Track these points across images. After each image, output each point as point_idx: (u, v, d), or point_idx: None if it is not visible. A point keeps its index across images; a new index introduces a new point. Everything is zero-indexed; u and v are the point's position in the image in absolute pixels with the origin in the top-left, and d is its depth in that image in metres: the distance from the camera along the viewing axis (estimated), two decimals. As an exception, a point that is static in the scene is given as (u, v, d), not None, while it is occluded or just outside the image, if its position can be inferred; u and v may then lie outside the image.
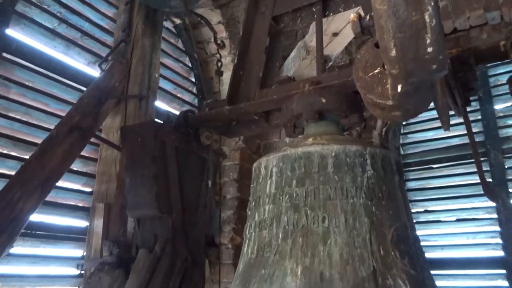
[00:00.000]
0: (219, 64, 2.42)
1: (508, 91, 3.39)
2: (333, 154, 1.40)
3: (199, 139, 2.11)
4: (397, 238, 1.31)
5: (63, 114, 2.25)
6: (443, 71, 1.00)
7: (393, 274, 1.22)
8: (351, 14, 1.32)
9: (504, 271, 3.16)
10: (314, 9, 2.04)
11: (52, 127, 2.20)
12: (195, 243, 2.06)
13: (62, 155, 2.06)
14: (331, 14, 2.08)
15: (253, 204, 1.54)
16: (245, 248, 1.46)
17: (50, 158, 2.04)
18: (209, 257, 2.97)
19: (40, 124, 2.32)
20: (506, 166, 3.30)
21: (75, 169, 2.46)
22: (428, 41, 0.94)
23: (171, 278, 1.95)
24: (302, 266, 1.23)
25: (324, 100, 1.61)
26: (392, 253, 1.26)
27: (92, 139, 2.42)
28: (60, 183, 2.33)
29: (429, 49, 0.95)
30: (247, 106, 1.90)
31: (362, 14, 1.66)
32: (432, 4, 0.92)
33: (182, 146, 2.09)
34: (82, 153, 2.41)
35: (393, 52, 0.98)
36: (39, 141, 2.15)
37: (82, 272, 2.37)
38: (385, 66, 1.06)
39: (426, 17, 0.92)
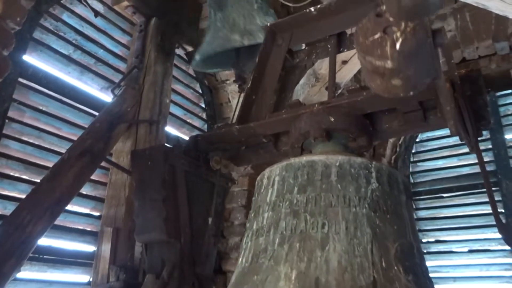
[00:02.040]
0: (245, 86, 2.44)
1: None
2: (337, 164, 1.38)
3: (208, 164, 2.11)
4: (401, 253, 1.26)
5: (75, 138, 2.29)
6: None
7: None
8: None
9: (519, 305, 3.06)
10: (329, 45, 2.09)
11: (64, 151, 2.23)
12: (203, 268, 2.03)
13: (72, 179, 2.07)
14: (345, 50, 2.12)
15: (252, 215, 1.50)
16: (240, 259, 1.40)
17: (61, 181, 2.05)
18: (216, 285, 2.93)
19: (52, 148, 2.35)
20: (518, 196, 3.25)
21: (85, 193, 2.47)
22: None
23: (178, 305, 1.91)
24: (297, 271, 1.17)
25: (332, 119, 1.61)
26: (395, 267, 1.21)
27: (103, 163, 2.44)
28: (69, 207, 2.33)
29: None
30: (256, 126, 1.90)
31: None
32: None
33: (192, 170, 2.09)
34: (92, 177, 2.43)
35: None
36: (50, 164, 2.17)
37: (88, 298, 2.34)
38: (385, 10, 1.06)
39: None
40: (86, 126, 2.36)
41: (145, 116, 2.54)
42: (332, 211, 1.27)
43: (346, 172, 1.36)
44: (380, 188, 1.36)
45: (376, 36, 1.16)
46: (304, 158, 1.46)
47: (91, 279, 2.37)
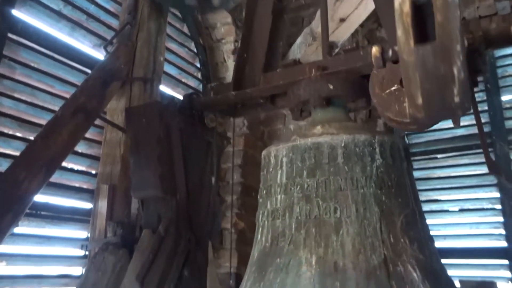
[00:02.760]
0: (236, 44, 2.39)
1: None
2: (342, 145, 1.41)
3: (203, 122, 2.10)
4: (406, 224, 1.33)
5: (68, 96, 2.26)
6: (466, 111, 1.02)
7: (403, 260, 1.24)
8: (373, 48, 1.31)
9: (506, 262, 3.16)
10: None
11: (57, 108, 2.21)
12: (199, 225, 2.07)
13: (67, 136, 2.06)
14: None
15: (264, 192, 1.56)
16: (259, 236, 1.49)
17: (55, 139, 2.05)
18: (212, 241, 2.99)
19: (46, 105, 2.32)
20: (511, 157, 3.29)
21: (80, 151, 2.47)
22: (455, 92, 0.96)
23: (174, 259, 1.95)
24: (316, 256, 1.26)
25: (331, 87, 1.61)
26: (402, 240, 1.28)
27: (97, 122, 2.43)
28: (64, 165, 2.34)
29: (456, 99, 0.96)
30: (253, 91, 1.89)
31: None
32: (461, 57, 0.92)
33: (187, 128, 2.08)
34: (87, 135, 2.42)
35: (419, 101, 1.00)
36: (44, 122, 2.15)
37: (87, 253, 2.39)
38: (409, 110, 1.06)
39: (455, 70, 0.94)
40: (79, 84, 2.33)
41: (139, 74, 2.51)
42: (342, 194, 1.34)
43: (351, 152, 1.40)
44: (384, 163, 1.41)
45: (393, 88, 1.16)
46: (310, 140, 1.49)
47: (89, 235, 2.41)
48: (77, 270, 2.41)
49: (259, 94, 1.92)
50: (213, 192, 2.13)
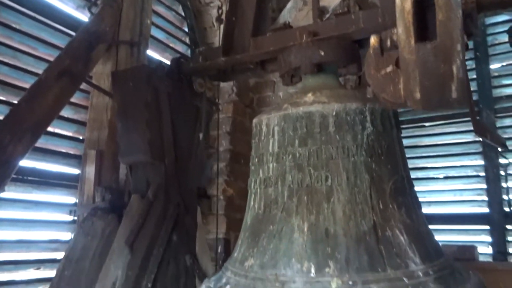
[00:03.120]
0: (220, 11, 2.33)
1: (505, 51, 3.36)
2: (333, 114, 1.43)
3: (192, 87, 2.07)
4: (395, 191, 1.36)
5: (52, 59, 2.19)
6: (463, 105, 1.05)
7: (391, 225, 1.28)
8: (371, 38, 1.29)
9: (487, 227, 3.25)
10: None
11: (41, 71, 2.14)
12: (187, 190, 2.07)
13: (52, 100, 2.01)
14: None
15: (256, 160, 1.57)
16: (252, 203, 1.52)
17: (40, 102, 1.99)
18: (201, 208, 3.01)
19: (29, 68, 2.26)
20: (497, 126, 3.33)
21: (66, 116, 2.43)
22: (453, 88, 0.99)
23: (163, 223, 1.97)
24: (308, 223, 1.29)
25: (322, 53, 1.59)
26: (391, 206, 1.32)
27: (83, 86, 2.38)
28: (51, 130, 2.31)
29: (454, 95, 1.00)
30: (242, 57, 1.86)
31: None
32: (461, 56, 0.92)
33: (175, 93, 2.05)
34: (73, 100, 2.37)
35: (418, 96, 1.03)
36: (27, 85, 2.09)
37: (75, 218, 2.39)
38: (407, 100, 1.07)
39: (454, 69, 0.95)
40: (63, 47, 2.25)
41: (125, 37, 2.44)
42: (333, 163, 1.36)
43: (342, 121, 1.41)
44: (374, 131, 1.43)
45: (389, 69, 1.15)
46: (301, 109, 1.50)
47: (77, 201, 2.40)
48: (66, 236, 2.42)
49: (248, 60, 1.89)
50: (200, 147, 2.12)
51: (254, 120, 1.66)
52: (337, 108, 1.43)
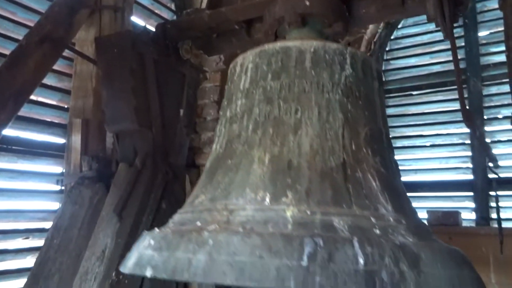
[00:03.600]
0: None
1: (493, 17, 3.34)
2: (312, 50, 1.35)
3: (178, 53, 2.03)
4: (371, 138, 1.29)
5: (32, 24, 2.11)
6: None
7: (363, 168, 1.21)
8: None
9: (471, 193, 3.32)
10: None
11: (21, 37, 2.06)
12: (176, 158, 2.06)
13: (34, 67, 1.95)
14: None
15: (226, 103, 1.48)
16: (214, 145, 1.41)
17: (22, 69, 1.94)
18: (190, 178, 3.01)
19: (8, 34, 2.18)
20: (484, 93, 3.35)
21: (50, 84, 2.37)
22: None
23: (152, 191, 1.97)
24: (270, 154, 1.20)
25: (308, 3, 1.54)
26: (364, 150, 1.25)
27: (66, 53, 2.31)
28: (34, 98, 2.25)
29: None
30: (228, 11, 1.81)
31: None
32: None
33: (161, 59, 2.01)
34: (56, 68, 2.31)
35: None
36: (7, 52, 2.02)
37: (63, 188, 2.37)
38: None
39: None
40: (43, 11, 2.18)
41: (108, 1, 2.36)
42: (306, 97, 1.28)
43: (320, 58, 1.34)
44: (354, 75, 1.36)
45: None
46: (278, 44, 1.42)
47: (64, 170, 2.38)
48: (54, 205, 2.41)
49: (234, 17, 1.83)
50: (180, 123, 2.10)
51: (231, 65, 1.57)
52: (316, 45, 1.35)
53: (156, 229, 1.16)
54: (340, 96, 1.29)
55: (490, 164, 1.72)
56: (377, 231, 1.01)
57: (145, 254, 1.01)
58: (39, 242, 2.20)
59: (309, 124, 1.22)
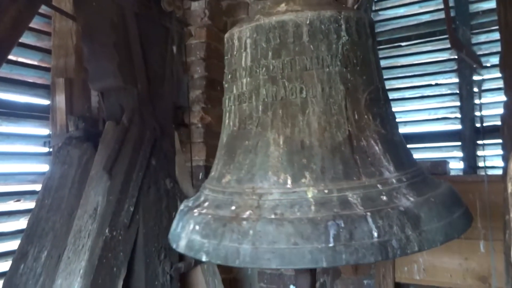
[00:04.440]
0: None
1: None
2: (307, 22, 1.35)
3: (160, 5, 1.97)
4: (370, 101, 1.34)
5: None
6: None
7: (366, 135, 1.28)
8: None
9: (459, 143, 3.36)
10: None
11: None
12: (163, 114, 2.04)
13: (9, 24, 1.88)
14: None
15: (229, 77, 1.52)
16: (227, 121, 1.49)
17: (-3, 27, 1.87)
18: (180, 137, 3.00)
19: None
20: (472, 42, 3.32)
21: (29, 43, 2.30)
22: None
23: (141, 148, 1.96)
24: (283, 136, 1.27)
25: None
26: (366, 117, 1.31)
27: (44, 11, 2.23)
28: (14, 59, 2.19)
29: None
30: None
31: None
32: None
33: (142, 12, 1.95)
34: (35, 26, 2.24)
35: None
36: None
37: (51, 150, 2.35)
38: None
39: None
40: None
41: (84, -47, 2.25)
42: (308, 74, 1.32)
43: (317, 30, 1.34)
44: (350, 40, 1.37)
45: None
46: (274, 19, 1.41)
47: (50, 132, 2.35)
48: (43, 168, 2.40)
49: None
50: (175, 63, 2.06)
51: (226, 35, 1.60)
52: (311, 17, 1.36)
53: (195, 210, 1.28)
54: (339, 68, 1.33)
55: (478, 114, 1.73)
56: (384, 198, 1.14)
57: (195, 240, 1.17)
58: (31, 205, 2.21)
59: (315, 102, 1.28)
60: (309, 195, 1.17)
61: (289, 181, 1.22)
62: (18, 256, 2.00)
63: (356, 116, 1.30)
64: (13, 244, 2.19)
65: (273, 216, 1.14)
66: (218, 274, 2.42)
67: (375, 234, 1.03)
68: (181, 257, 2.28)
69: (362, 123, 1.30)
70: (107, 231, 1.86)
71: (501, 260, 2.11)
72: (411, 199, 1.17)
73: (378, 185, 1.20)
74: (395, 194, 1.18)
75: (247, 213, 1.18)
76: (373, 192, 1.18)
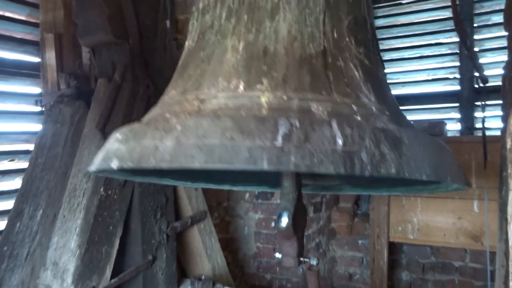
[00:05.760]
0: None
1: None
2: None
3: (151, -44, 1.88)
4: (354, 26, 1.21)
5: None
6: None
7: (345, 57, 1.13)
8: None
9: (457, 104, 3.33)
10: None
11: None
12: (156, 71, 1.99)
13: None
14: None
15: None
16: (186, 42, 1.29)
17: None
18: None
19: None
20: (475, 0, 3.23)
21: (15, -2, 2.21)
22: None
23: (134, 106, 1.92)
24: (244, 42, 1.11)
25: None
26: (347, 39, 1.17)
27: (29, -38, 2.13)
28: (1, 13, 2.11)
29: None
30: None
31: None
32: None
33: (133, -37, 1.86)
34: (20, -21, 2.14)
35: None
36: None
37: (43, 109, 2.31)
38: None
39: None
40: None
41: None
42: None
43: None
44: None
45: None
46: None
47: (42, 91, 2.30)
48: (36, 127, 2.36)
49: None
50: (168, 36, 2.00)
51: None
52: None
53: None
54: None
55: (477, 74, 1.69)
56: (358, 118, 0.96)
57: (111, 148, 0.94)
58: (25, 164, 2.19)
59: (288, 9, 1.14)
60: (263, 99, 0.98)
61: (241, 86, 1.03)
62: (13, 215, 1.99)
63: (336, 35, 1.16)
64: (9, 204, 2.18)
65: (211, 115, 0.92)
66: (215, 233, 2.44)
67: (340, 142, 0.82)
68: (178, 216, 2.29)
69: (341, 44, 1.15)
70: (102, 190, 1.85)
71: (494, 219, 2.13)
72: (392, 126, 0.97)
73: (353, 106, 1.02)
74: (372, 119, 1.00)
75: (182, 115, 0.97)
76: (345, 109, 0.99)
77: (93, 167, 0.98)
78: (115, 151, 0.91)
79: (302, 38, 1.10)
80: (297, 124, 0.82)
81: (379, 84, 1.17)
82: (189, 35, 1.33)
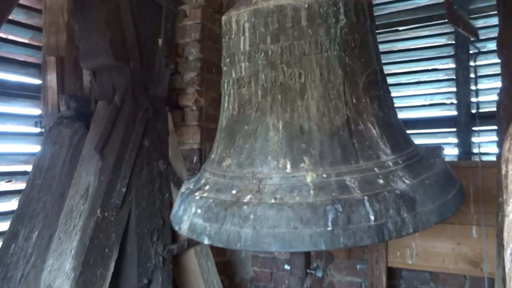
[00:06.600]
0: None
1: None
2: (306, 6, 1.36)
3: (153, -18, 1.92)
4: (368, 84, 1.36)
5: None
6: None
7: (364, 119, 1.30)
8: None
9: (455, 129, 3.36)
10: None
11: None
12: (156, 94, 2.01)
13: (-2, -1, 1.83)
14: None
15: (227, 60, 1.53)
16: (226, 104, 1.51)
17: (-14, 2, 1.82)
18: (174, 119, 2.97)
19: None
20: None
21: (20, 20, 2.25)
22: None
23: (133, 128, 1.93)
24: (283, 121, 1.30)
25: None
26: (364, 100, 1.33)
27: (34, -13, 2.18)
28: (3, 36, 2.15)
29: None
30: None
31: None
32: None
33: (135, -11, 1.90)
34: (25, 3, 2.19)
35: None
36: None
37: (42, 130, 2.32)
38: None
39: None
40: None
41: None
42: (307, 59, 1.33)
43: (315, 14, 1.35)
44: (348, 23, 1.37)
45: None
46: (272, 2, 1.42)
47: (42, 113, 2.32)
48: (35, 148, 2.37)
49: None
50: (159, 54, 2.02)
51: (223, 18, 1.58)
52: (309, 0, 1.37)
53: (197, 193, 1.32)
54: (338, 52, 1.34)
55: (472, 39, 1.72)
56: (381, 181, 1.18)
57: (197, 223, 1.21)
58: (23, 185, 2.19)
59: (313, 87, 1.30)
60: (308, 179, 1.20)
61: (288, 166, 1.25)
62: (9, 236, 1.98)
63: (354, 100, 1.32)
64: (5, 226, 2.17)
65: (273, 201, 1.17)
66: (211, 256, 2.42)
67: (372, 218, 1.07)
68: (174, 239, 2.27)
69: (360, 107, 1.32)
70: (98, 211, 1.85)
71: (493, 245, 2.12)
72: (407, 181, 1.19)
73: (375, 169, 1.23)
74: (391, 177, 1.21)
75: (248, 197, 1.21)
76: (370, 176, 1.21)
77: (182, 231, 1.25)
78: (203, 229, 1.19)
79: (329, 112, 1.28)
80: (340, 208, 1.08)
81: (391, 130, 1.35)
82: (226, 98, 1.49)
